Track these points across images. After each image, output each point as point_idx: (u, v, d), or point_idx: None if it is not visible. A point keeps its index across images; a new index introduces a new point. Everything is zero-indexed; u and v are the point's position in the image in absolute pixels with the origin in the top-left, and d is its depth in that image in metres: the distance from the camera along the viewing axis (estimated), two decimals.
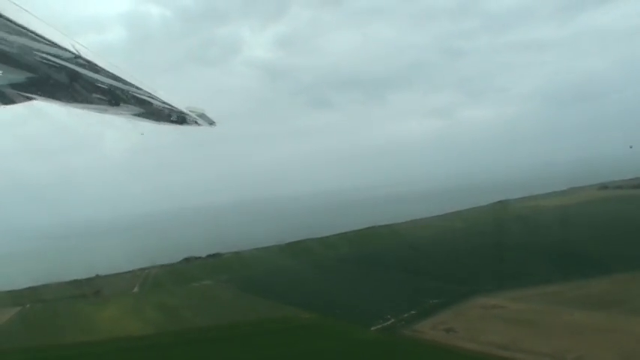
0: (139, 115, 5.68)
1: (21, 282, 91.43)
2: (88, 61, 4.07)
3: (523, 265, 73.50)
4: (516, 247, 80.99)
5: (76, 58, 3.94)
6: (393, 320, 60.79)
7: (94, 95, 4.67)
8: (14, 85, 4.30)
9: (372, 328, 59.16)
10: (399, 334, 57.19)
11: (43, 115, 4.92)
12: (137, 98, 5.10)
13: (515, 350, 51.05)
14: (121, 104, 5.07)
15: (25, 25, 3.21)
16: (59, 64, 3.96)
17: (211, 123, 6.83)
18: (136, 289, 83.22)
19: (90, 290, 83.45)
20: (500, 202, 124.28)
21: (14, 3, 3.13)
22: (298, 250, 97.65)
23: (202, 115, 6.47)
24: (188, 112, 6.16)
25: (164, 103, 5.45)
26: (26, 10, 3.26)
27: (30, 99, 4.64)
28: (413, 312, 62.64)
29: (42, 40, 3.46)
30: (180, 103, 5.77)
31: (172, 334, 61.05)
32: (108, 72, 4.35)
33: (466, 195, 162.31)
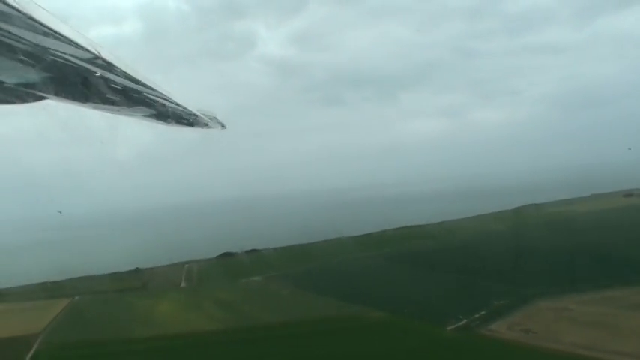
0: (151, 116, 5.65)
1: (57, 273, 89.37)
2: (107, 62, 4.02)
3: (576, 269, 74.27)
4: (562, 251, 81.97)
5: (95, 59, 3.90)
6: (465, 320, 60.82)
7: (108, 96, 4.65)
8: (29, 84, 4.24)
9: (448, 328, 59.08)
10: (478, 333, 57.24)
11: (56, 114, 4.92)
12: (150, 100, 5.09)
13: (599, 350, 51.47)
14: (135, 105, 5.08)
15: (44, 22, 3.16)
16: (76, 64, 3.92)
17: (222, 126, 6.85)
18: (183, 284, 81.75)
19: (136, 283, 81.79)
20: (526, 206, 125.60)
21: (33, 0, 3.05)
22: (338, 247, 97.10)
23: (213, 119, 6.52)
24: (200, 115, 6.17)
25: (177, 105, 5.42)
26: (44, 9, 3.21)
27: (43, 98, 4.61)
28: (483, 312, 62.74)
29: (60, 38, 3.42)
30: (192, 105, 5.77)
31: (242, 331, 59.90)
32: (124, 72, 4.34)
33: (483, 197, 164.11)
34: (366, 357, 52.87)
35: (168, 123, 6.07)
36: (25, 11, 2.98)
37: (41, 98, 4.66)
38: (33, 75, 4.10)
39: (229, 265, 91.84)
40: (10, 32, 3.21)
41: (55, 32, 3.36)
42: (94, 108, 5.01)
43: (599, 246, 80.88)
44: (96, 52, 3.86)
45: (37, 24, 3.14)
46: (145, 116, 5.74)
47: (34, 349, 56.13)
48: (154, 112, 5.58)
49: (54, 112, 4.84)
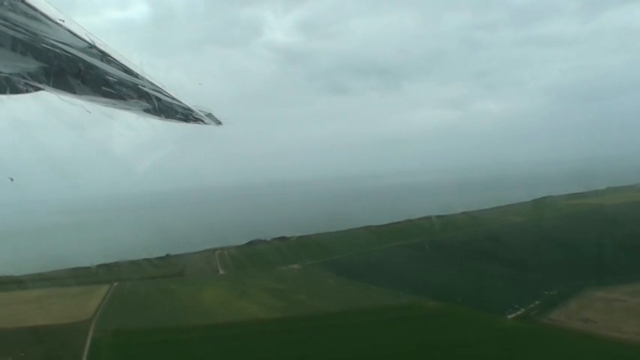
0: (146, 110, 5.59)
1: (84, 259, 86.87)
2: (102, 52, 4.01)
3: (617, 261, 75.33)
4: (598, 243, 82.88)
5: (90, 48, 3.88)
6: (523, 309, 61.10)
7: (104, 88, 4.60)
8: (24, 74, 4.19)
9: (509, 317, 59.25)
10: (540, 322, 57.53)
11: (51, 106, 4.83)
12: (146, 93, 5.04)
13: None
14: (130, 99, 5.00)
15: (39, 8, 3.13)
16: (72, 53, 3.87)
17: (218, 123, 6.70)
18: (222, 271, 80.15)
19: (172, 270, 79.91)
20: (543, 198, 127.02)
21: None
22: (366, 236, 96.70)
23: (210, 115, 6.42)
24: (196, 110, 6.09)
25: (172, 99, 5.40)
26: None
27: (38, 89, 4.51)
28: (537, 302, 63.18)
29: (57, 26, 3.38)
30: (188, 100, 5.76)
31: (302, 320, 59.02)
32: (120, 64, 4.32)
33: (494, 188, 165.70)
34: (441, 345, 52.51)
35: (164, 117, 5.98)
36: None
37: (36, 89, 4.56)
38: (28, 65, 3.96)
39: (261, 253, 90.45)
40: (4, 19, 3.09)
41: (50, 19, 3.27)
42: (90, 100, 4.92)
43: (634, 238, 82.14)
44: (90, 42, 3.79)
45: (32, 10, 3.06)
46: (141, 110, 5.63)
47: (90, 336, 54.18)
48: (149, 105, 5.49)
49: (49, 103, 4.72)
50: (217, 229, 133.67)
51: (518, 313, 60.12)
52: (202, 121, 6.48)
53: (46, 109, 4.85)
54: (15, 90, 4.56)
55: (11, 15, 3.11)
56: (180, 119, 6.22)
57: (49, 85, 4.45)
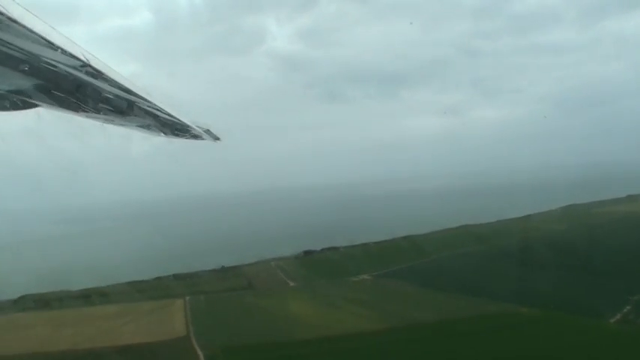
0: (143, 126, 5.69)
1: (134, 272, 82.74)
2: (97, 70, 4.07)
3: None
4: None
5: (85, 67, 3.94)
6: (618, 314, 61.72)
7: (101, 105, 4.70)
8: (20, 91, 4.26)
9: (611, 320, 59.66)
10: None
11: (47, 122, 4.95)
12: (144, 110, 5.11)
13: None
14: (127, 115, 5.10)
15: (35, 29, 3.23)
16: (67, 71, 3.94)
17: (216, 139, 6.84)
18: (292, 283, 77.68)
19: (241, 282, 77.06)
20: (570, 206, 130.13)
21: (21, 6, 3.17)
22: (425, 243, 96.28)
23: (207, 131, 6.53)
24: (194, 127, 6.17)
25: (169, 116, 5.43)
26: (35, 15, 3.31)
27: (35, 106, 4.61)
28: (628, 307, 64.01)
29: (51, 45, 3.46)
30: (186, 116, 5.83)
31: (406, 330, 57.67)
32: (116, 82, 4.39)
33: (507, 195, 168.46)
34: (554, 352, 52.23)
35: (161, 134, 5.97)
36: (13, 17, 2.90)
37: (33, 106, 4.54)
38: (24, 82, 3.95)
39: (319, 264, 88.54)
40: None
41: (44, 38, 3.29)
42: (87, 117, 4.88)
43: None
44: (85, 60, 3.80)
45: (25, 30, 3.08)
46: (137, 126, 5.60)
47: (200, 354, 51.18)
48: (146, 122, 5.43)
49: (46, 120, 4.67)
50: (242, 239, 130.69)
51: (617, 317, 60.81)
52: (201, 137, 6.43)
53: (44, 124, 4.72)
54: (11, 106, 4.45)
55: (5, 35, 3.08)
56: (178, 136, 6.17)
57: (45, 102, 4.34)
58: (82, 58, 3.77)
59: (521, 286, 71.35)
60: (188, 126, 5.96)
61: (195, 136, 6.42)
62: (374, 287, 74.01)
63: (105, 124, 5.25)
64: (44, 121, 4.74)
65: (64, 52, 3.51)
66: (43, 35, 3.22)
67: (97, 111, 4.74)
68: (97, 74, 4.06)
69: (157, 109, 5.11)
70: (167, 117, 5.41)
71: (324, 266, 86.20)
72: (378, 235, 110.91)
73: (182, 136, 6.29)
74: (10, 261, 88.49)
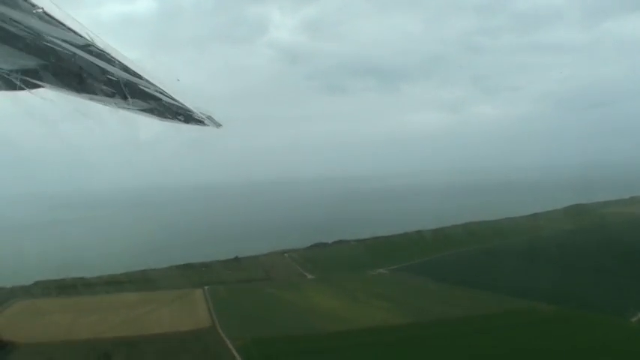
0: (146, 110, 5.70)
1: (148, 260, 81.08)
2: (101, 50, 4.05)
3: None
4: None
5: (89, 46, 3.92)
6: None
7: (104, 87, 4.70)
8: (23, 71, 4.25)
9: (632, 319, 60.15)
10: None
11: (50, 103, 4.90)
12: (146, 93, 5.13)
13: None
14: (130, 98, 5.09)
15: (41, 6, 3.22)
16: (71, 51, 3.94)
17: (218, 125, 6.87)
18: (310, 275, 76.85)
19: (259, 274, 75.94)
20: (574, 206, 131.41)
21: None
22: (437, 238, 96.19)
23: (209, 117, 6.57)
24: (197, 112, 6.20)
25: (172, 99, 5.48)
26: None
27: (39, 86, 4.59)
28: None
29: (56, 24, 3.45)
30: (188, 101, 5.87)
31: (436, 325, 57.38)
32: (119, 63, 4.37)
33: (507, 193, 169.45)
34: (580, 349, 52.47)
35: (163, 118, 5.92)
36: None
37: (36, 86, 4.48)
38: (28, 62, 3.90)
39: (332, 256, 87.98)
40: (5, 16, 3.06)
41: (50, 16, 3.24)
42: (90, 99, 4.84)
43: None
44: (90, 40, 3.73)
45: (32, 7, 3.04)
46: (140, 110, 5.54)
47: (230, 344, 50.11)
48: (149, 105, 5.40)
49: (48, 101, 4.61)
50: (247, 229, 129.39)
51: (639, 316, 61.41)
52: (202, 122, 6.36)
53: (46, 106, 4.62)
54: (15, 86, 4.34)
55: (12, 12, 3.02)
56: (180, 120, 6.12)
57: (48, 82, 4.30)
58: (87, 37, 3.65)
59: (535, 284, 71.54)
60: (191, 111, 5.86)
61: (198, 122, 6.29)
62: (393, 281, 73.58)
63: (107, 107, 5.07)
64: (47, 102, 4.56)
65: (68, 30, 3.40)
66: (48, 12, 3.11)
67: (100, 93, 4.62)
68: (101, 54, 3.95)
69: (161, 92, 5.00)
70: (170, 101, 5.29)
71: (338, 259, 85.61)
72: (383, 228, 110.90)
73: (184, 121, 6.15)
74: (15, 246, 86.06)
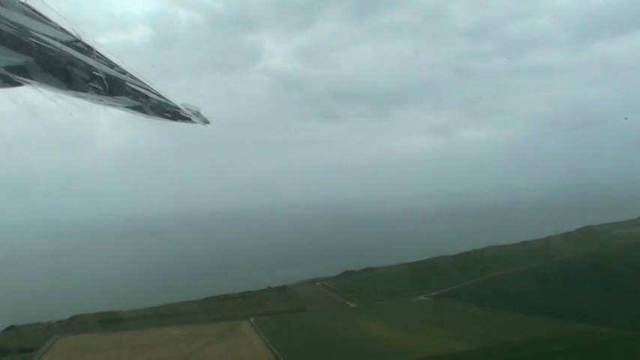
0: (133, 107, 5.70)
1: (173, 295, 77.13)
2: (88, 46, 4.09)
3: None
4: None
5: (76, 42, 3.95)
6: None
7: (90, 84, 4.61)
8: (9, 68, 4.12)
9: None
10: None
11: (37, 101, 4.82)
12: (133, 90, 5.14)
13: None
14: (117, 95, 5.07)
15: (27, 2, 3.29)
16: (57, 47, 3.90)
17: (206, 122, 6.81)
18: (352, 304, 74.39)
19: (297, 304, 73.27)
20: (586, 227, 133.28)
21: None
22: (466, 264, 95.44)
23: (197, 113, 6.53)
24: (183, 109, 6.22)
25: (159, 96, 5.49)
26: None
27: (24, 83, 4.42)
28: None
29: (42, 19, 3.49)
30: (176, 98, 5.95)
31: (501, 349, 56.08)
32: (106, 59, 4.44)
33: (512, 215, 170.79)
34: None
35: (151, 115, 5.84)
36: None
37: (19, 84, 4.33)
38: (12, 58, 3.79)
39: (365, 284, 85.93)
40: None
41: (36, 12, 3.26)
42: (76, 96, 4.74)
43: None
44: (76, 35, 3.75)
45: (18, 3, 3.07)
46: (127, 107, 5.51)
47: None
48: (136, 103, 5.37)
49: (33, 99, 4.43)
50: (254, 257, 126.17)
51: None
52: (190, 119, 6.28)
53: (28, 105, 4.50)
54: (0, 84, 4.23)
55: None
56: (168, 117, 6.01)
57: (34, 79, 4.15)
58: (73, 33, 3.59)
59: (578, 306, 71.28)
60: (178, 108, 5.75)
61: (185, 119, 6.15)
62: (438, 308, 71.98)
63: (94, 104, 4.95)
64: (32, 100, 4.38)
65: (53, 25, 3.32)
66: (33, 7, 3.02)
67: (87, 90, 4.49)
68: (88, 50, 3.89)
69: (147, 89, 4.95)
70: (157, 97, 5.22)
71: (373, 287, 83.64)
72: (398, 254, 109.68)
73: (172, 119, 5.98)
74: (32, 278, 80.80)
